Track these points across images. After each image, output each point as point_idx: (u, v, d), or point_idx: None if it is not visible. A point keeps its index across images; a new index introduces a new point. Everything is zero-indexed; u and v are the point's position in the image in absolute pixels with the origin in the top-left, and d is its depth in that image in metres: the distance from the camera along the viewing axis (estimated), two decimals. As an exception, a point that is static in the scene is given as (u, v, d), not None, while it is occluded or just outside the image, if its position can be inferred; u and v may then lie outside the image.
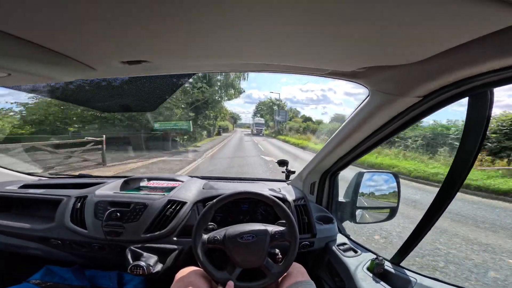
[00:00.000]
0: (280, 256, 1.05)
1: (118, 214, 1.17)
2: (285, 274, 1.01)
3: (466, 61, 0.50)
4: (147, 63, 0.67)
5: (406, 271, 0.99)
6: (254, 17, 0.41)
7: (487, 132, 0.64)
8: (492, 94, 0.60)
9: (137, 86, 0.88)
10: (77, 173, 1.79)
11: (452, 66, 0.53)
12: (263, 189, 1.36)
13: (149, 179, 1.52)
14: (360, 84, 0.80)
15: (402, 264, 1.03)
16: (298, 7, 0.37)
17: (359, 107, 0.89)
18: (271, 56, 0.65)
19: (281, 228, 1.01)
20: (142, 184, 1.48)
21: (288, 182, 1.62)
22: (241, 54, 0.63)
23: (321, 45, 0.54)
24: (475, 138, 0.66)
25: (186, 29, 0.45)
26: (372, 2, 0.35)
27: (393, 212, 1.22)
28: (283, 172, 1.67)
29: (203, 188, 1.40)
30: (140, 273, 1.04)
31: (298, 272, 1.06)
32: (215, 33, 0.48)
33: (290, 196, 1.33)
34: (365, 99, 0.85)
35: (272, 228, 1.01)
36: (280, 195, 1.30)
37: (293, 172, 1.61)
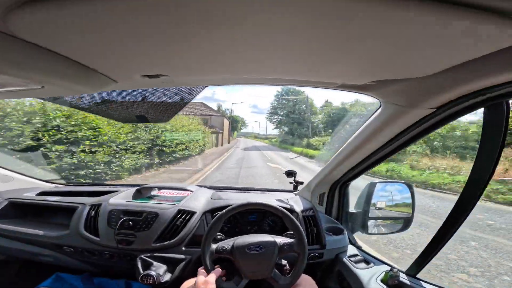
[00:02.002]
0: (288, 267, 1.04)
1: (130, 223, 1.19)
2: (294, 286, 0.99)
3: (481, 73, 0.51)
4: (164, 77, 0.70)
5: (423, 283, 0.96)
6: (268, 36, 0.43)
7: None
8: (508, 104, 0.60)
9: (155, 98, 0.91)
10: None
11: (466, 78, 0.54)
12: (271, 199, 1.35)
13: (160, 188, 1.54)
14: (371, 96, 0.81)
15: (418, 275, 1.01)
16: (310, 27, 0.39)
17: (370, 118, 0.89)
18: (283, 71, 0.67)
19: (290, 240, 1.00)
20: (153, 193, 1.50)
21: (296, 192, 1.61)
22: (254, 69, 0.65)
23: (333, 61, 0.55)
24: (493, 148, 0.65)
25: (204, 47, 0.48)
26: (385, 19, 0.36)
27: (407, 222, 1.21)
28: (291, 183, 1.67)
29: (211, 198, 1.41)
30: (150, 282, 1.04)
31: (307, 284, 1.05)
32: (230, 50, 0.50)
33: (298, 206, 1.33)
34: (376, 110, 0.85)
35: (280, 239, 1.00)
36: (288, 206, 1.30)
37: (301, 183, 1.61)
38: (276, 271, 0.97)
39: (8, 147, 3.79)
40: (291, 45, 0.47)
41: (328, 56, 0.52)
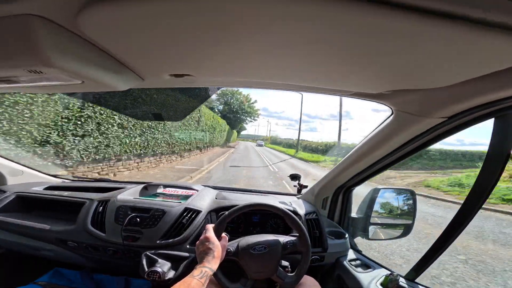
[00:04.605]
0: (290, 269, 1.06)
1: (138, 219, 1.19)
2: (297, 286, 1.01)
3: (495, 85, 0.54)
4: (189, 76, 0.73)
5: (421, 287, 0.99)
6: (290, 45, 0.46)
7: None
8: None
9: (172, 96, 0.93)
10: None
11: (481, 90, 0.57)
12: (274, 201, 1.38)
13: (166, 186, 1.55)
14: (383, 104, 0.85)
15: (417, 280, 1.03)
16: (331, 38, 0.42)
17: (381, 125, 0.92)
18: (300, 78, 0.69)
19: (293, 238, 1.02)
20: (159, 190, 1.51)
21: (299, 196, 1.64)
22: (273, 75, 0.68)
23: (351, 70, 0.57)
24: (499, 157, 0.68)
25: (229, 51, 0.51)
26: (405, 33, 0.38)
27: (408, 229, 1.23)
28: (295, 186, 1.70)
29: (216, 198, 1.43)
30: (156, 278, 1.05)
31: (311, 284, 1.07)
32: (253, 56, 0.54)
33: (301, 210, 1.36)
34: (387, 117, 0.88)
35: (283, 238, 1.02)
36: (291, 208, 1.32)
37: (306, 187, 1.64)
38: (281, 269, 0.99)
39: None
40: (311, 54, 0.49)
41: (347, 66, 0.54)
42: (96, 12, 0.38)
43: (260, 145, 38.59)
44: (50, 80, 0.59)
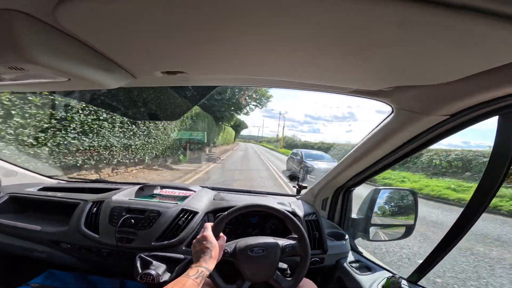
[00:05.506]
0: (289, 272, 1.04)
1: (132, 220, 1.17)
2: None
3: (499, 82, 0.51)
4: (182, 74, 0.70)
5: None
6: (288, 41, 0.44)
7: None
8: None
9: (167, 96, 0.91)
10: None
11: (484, 87, 0.54)
12: (273, 203, 1.35)
13: (163, 187, 1.53)
14: (383, 102, 0.82)
15: (420, 283, 1.01)
16: (330, 33, 0.40)
17: (381, 124, 0.89)
18: (299, 75, 0.67)
19: (292, 242, 1.00)
20: (155, 191, 1.48)
21: (298, 197, 1.62)
22: (269, 72, 0.66)
23: (348, 66, 0.55)
24: (504, 157, 0.66)
25: (223, 46, 0.49)
26: (407, 26, 0.36)
27: (409, 230, 1.21)
28: (294, 187, 1.67)
29: (213, 199, 1.41)
30: (150, 281, 1.02)
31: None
32: (248, 52, 0.52)
33: (301, 211, 1.33)
34: (387, 116, 0.85)
35: (282, 241, 1.00)
36: (290, 209, 1.29)
37: (305, 187, 1.62)
38: (279, 273, 0.97)
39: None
40: (310, 49, 0.47)
41: (345, 60, 0.52)
42: (73, 5, 0.36)
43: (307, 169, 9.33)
44: (34, 78, 0.57)
